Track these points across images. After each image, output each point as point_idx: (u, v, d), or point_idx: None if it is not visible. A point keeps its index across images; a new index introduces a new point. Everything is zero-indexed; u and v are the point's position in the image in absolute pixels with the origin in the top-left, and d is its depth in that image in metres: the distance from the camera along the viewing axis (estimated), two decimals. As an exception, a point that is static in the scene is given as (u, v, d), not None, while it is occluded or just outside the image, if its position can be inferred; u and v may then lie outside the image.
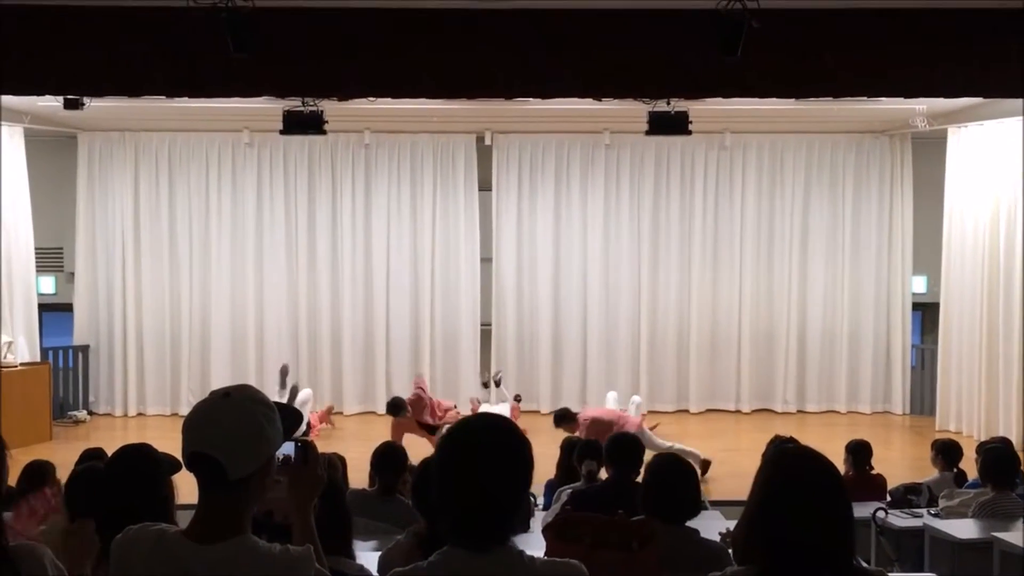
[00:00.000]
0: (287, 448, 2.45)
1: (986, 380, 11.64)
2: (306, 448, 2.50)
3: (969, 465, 7.42)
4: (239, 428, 2.22)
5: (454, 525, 2.24)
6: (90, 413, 13.21)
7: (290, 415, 2.44)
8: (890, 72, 7.95)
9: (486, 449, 2.24)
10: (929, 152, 13.14)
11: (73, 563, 2.57)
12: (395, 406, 10.66)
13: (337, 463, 6.16)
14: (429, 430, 10.53)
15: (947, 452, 7.45)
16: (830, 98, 9.49)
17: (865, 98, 9.80)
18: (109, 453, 3.50)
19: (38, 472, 6.35)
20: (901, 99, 9.97)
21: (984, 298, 11.68)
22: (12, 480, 5.31)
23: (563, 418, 9.96)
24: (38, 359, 12.26)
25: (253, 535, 2.25)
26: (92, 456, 6.74)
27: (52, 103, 10.46)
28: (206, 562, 2.17)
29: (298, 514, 2.48)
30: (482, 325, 13.61)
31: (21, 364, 11.70)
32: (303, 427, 9.98)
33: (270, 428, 2.27)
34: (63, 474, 6.75)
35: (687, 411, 13.37)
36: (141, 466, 3.26)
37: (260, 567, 2.18)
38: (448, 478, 2.25)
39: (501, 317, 13.60)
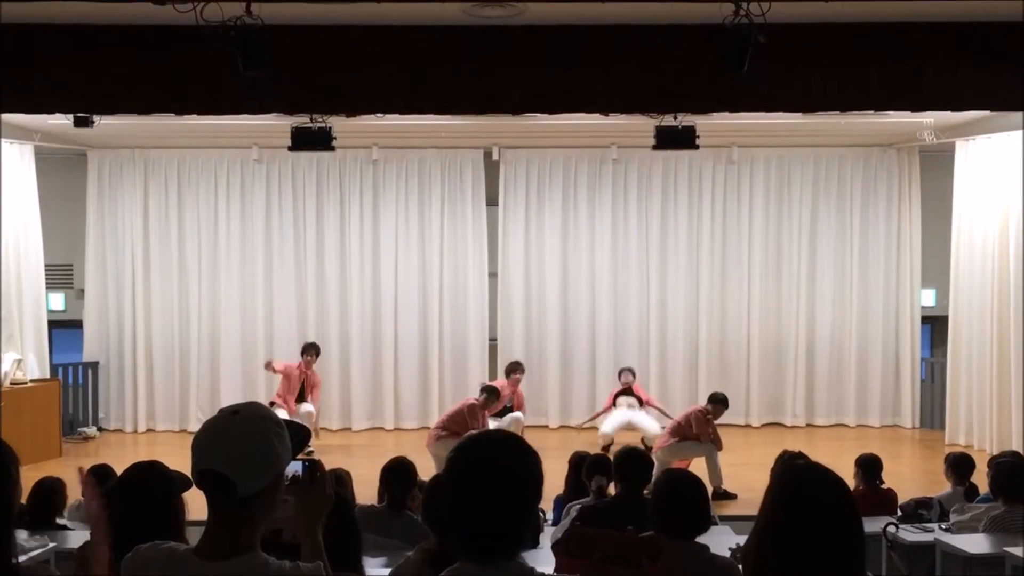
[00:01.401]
0: (295, 467, 2.45)
1: (997, 393, 11.58)
2: (314, 467, 2.50)
3: (980, 479, 7.39)
4: (249, 445, 2.22)
5: (465, 541, 2.24)
6: (100, 429, 13.23)
7: (298, 432, 2.44)
8: (898, 86, 7.96)
9: (496, 464, 2.24)
10: (937, 165, 13.14)
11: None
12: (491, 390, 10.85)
13: (345, 478, 6.16)
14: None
15: (959, 466, 7.42)
16: (838, 112, 9.49)
17: (872, 111, 9.80)
18: (120, 469, 3.50)
19: (47, 490, 6.38)
20: (909, 112, 9.97)
21: (994, 311, 11.63)
22: (23, 497, 5.33)
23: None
24: (48, 376, 12.29)
25: (263, 552, 2.25)
26: (98, 472, 6.76)
27: (62, 121, 10.52)
28: None
29: (306, 533, 2.46)
30: (490, 340, 13.61)
31: (31, 381, 11.74)
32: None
33: (279, 444, 2.27)
34: (73, 491, 6.79)
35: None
36: (152, 483, 3.27)
37: None
38: (459, 493, 2.25)
39: (508, 332, 13.60)
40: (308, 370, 11.82)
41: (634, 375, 12.16)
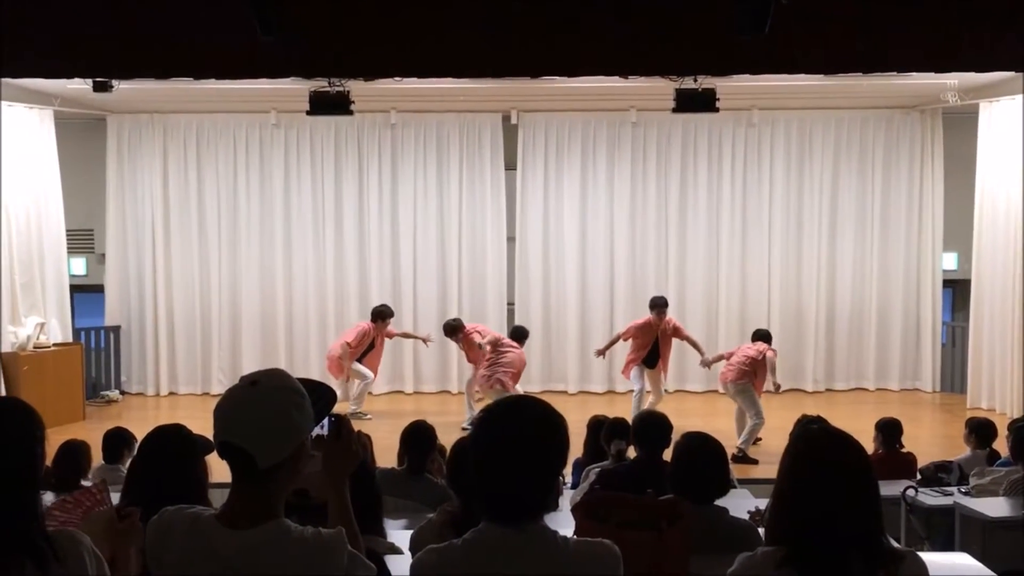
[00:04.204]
0: (323, 423, 2.45)
1: (1019, 357, 11.51)
2: (339, 423, 2.49)
3: (1000, 443, 7.37)
4: (267, 418, 2.21)
5: (490, 503, 2.26)
6: (122, 393, 13.36)
7: (324, 395, 2.43)
8: (920, 47, 7.85)
9: (524, 429, 2.26)
10: (960, 127, 12.98)
11: (118, 550, 2.58)
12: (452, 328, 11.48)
13: (365, 441, 6.20)
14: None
15: (981, 431, 7.41)
16: (859, 73, 9.38)
17: (895, 73, 9.68)
18: (142, 433, 3.52)
19: (72, 451, 6.46)
20: (932, 74, 9.85)
21: (1016, 274, 11.53)
22: (47, 459, 5.39)
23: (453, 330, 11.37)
24: (70, 340, 12.39)
25: (286, 519, 2.25)
26: (115, 435, 6.86)
27: (81, 86, 10.52)
28: (239, 547, 2.19)
29: (333, 490, 2.46)
30: (508, 305, 13.62)
31: (54, 345, 11.85)
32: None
33: (299, 415, 2.26)
34: (96, 454, 6.87)
35: (716, 391, 13.31)
36: (175, 447, 3.29)
37: (293, 551, 2.19)
38: (486, 456, 2.27)
39: (526, 296, 13.61)
40: (377, 334, 11.99)
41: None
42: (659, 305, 11.08)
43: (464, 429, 10.35)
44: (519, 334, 11.51)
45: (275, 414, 2.22)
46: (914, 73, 9.90)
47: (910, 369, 13.72)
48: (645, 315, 11.32)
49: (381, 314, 11.95)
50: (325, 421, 2.48)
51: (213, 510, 2.30)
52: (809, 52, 7.87)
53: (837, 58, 8.06)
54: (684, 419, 10.28)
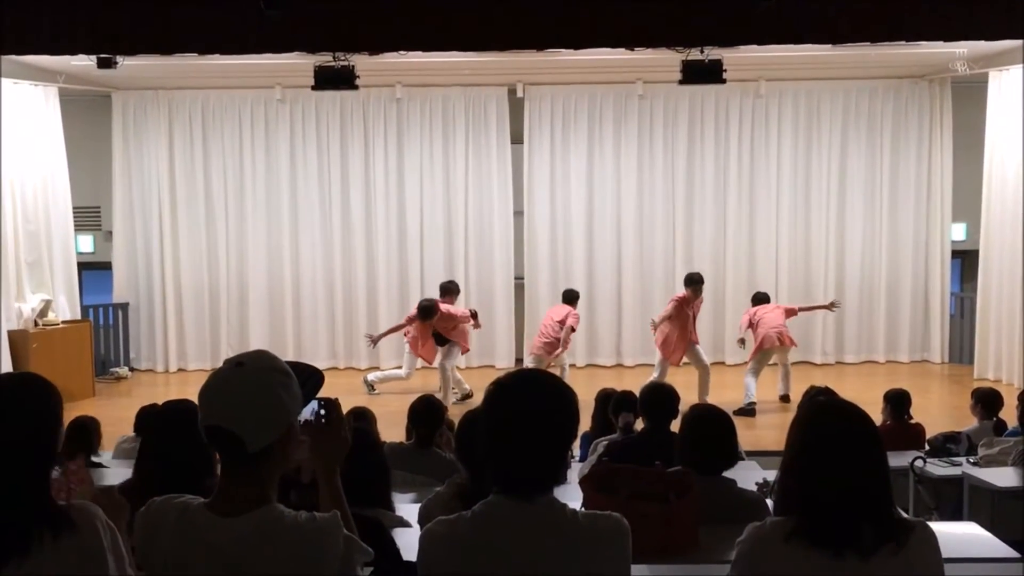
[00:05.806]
0: (311, 407, 2.38)
1: (1026, 328, 11.49)
2: (329, 407, 2.41)
3: (1009, 414, 7.37)
4: (255, 399, 2.16)
5: (500, 476, 2.26)
6: (131, 369, 13.41)
7: (311, 377, 2.37)
8: (928, 14, 7.79)
9: (535, 402, 2.26)
10: (969, 97, 12.89)
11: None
12: (427, 309, 10.99)
13: (368, 416, 6.21)
14: (438, 340, 11.26)
15: (987, 401, 7.40)
16: (867, 43, 9.31)
17: (903, 42, 9.60)
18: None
19: (82, 428, 6.49)
20: (940, 42, 9.77)
21: (1025, 245, 11.49)
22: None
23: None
24: (79, 317, 12.43)
25: (279, 503, 2.21)
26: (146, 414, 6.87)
27: (86, 62, 10.49)
28: (230, 535, 2.14)
29: (323, 477, 2.39)
30: (516, 279, 13.61)
31: (63, 322, 11.88)
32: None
33: (287, 396, 2.20)
34: (106, 430, 6.90)
35: (723, 363, 13.32)
36: (184, 422, 3.29)
37: (287, 537, 2.14)
38: (497, 429, 2.27)
39: (534, 271, 13.59)
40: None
41: None
42: (699, 281, 10.99)
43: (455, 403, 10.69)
44: (569, 297, 11.48)
45: (263, 395, 2.17)
46: (923, 42, 9.82)
47: (919, 340, 13.68)
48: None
49: (447, 290, 11.59)
50: (316, 406, 2.40)
51: (203, 499, 2.24)
52: (816, 22, 7.82)
53: (844, 28, 8.01)
54: (691, 391, 10.30)
